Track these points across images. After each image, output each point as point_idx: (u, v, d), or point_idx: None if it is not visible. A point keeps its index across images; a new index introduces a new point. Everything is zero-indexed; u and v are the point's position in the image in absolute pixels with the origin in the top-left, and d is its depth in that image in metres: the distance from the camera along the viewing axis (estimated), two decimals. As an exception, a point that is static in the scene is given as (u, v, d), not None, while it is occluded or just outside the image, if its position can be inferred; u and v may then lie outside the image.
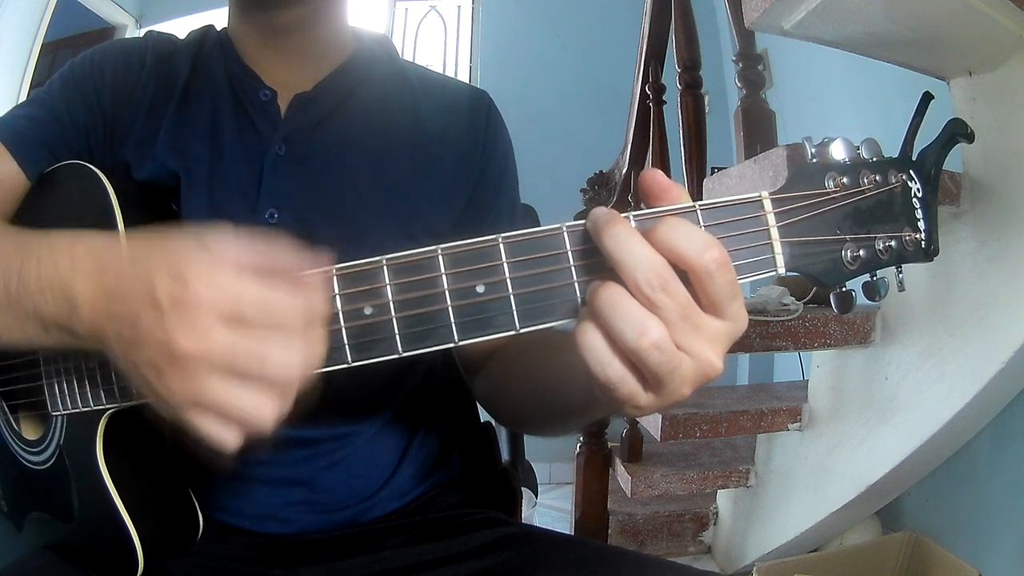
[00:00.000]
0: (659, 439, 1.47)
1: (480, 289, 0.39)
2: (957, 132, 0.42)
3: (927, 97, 0.43)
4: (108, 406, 0.52)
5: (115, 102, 0.67)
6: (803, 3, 1.02)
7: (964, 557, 1.33)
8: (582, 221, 0.39)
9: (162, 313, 0.36)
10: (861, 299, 0.43)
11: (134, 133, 0.66)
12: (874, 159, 0.41)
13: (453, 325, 0.40)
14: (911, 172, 0.41)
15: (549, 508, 2.55)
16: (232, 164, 0.65)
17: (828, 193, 0.40)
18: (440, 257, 0.40)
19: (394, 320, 0.40)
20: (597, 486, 1.70)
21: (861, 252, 0.40)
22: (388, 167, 0.68)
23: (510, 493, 0.80)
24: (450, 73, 3.14)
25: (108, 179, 0.58)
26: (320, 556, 0.65)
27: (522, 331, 0.39)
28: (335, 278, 0.41)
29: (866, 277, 0.42)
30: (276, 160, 0.65)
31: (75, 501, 0.59)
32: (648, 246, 0.36)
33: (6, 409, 0.65)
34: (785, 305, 1.38)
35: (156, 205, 0.64)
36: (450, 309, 0.40)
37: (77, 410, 0.55)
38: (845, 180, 0.40)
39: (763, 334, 1.34)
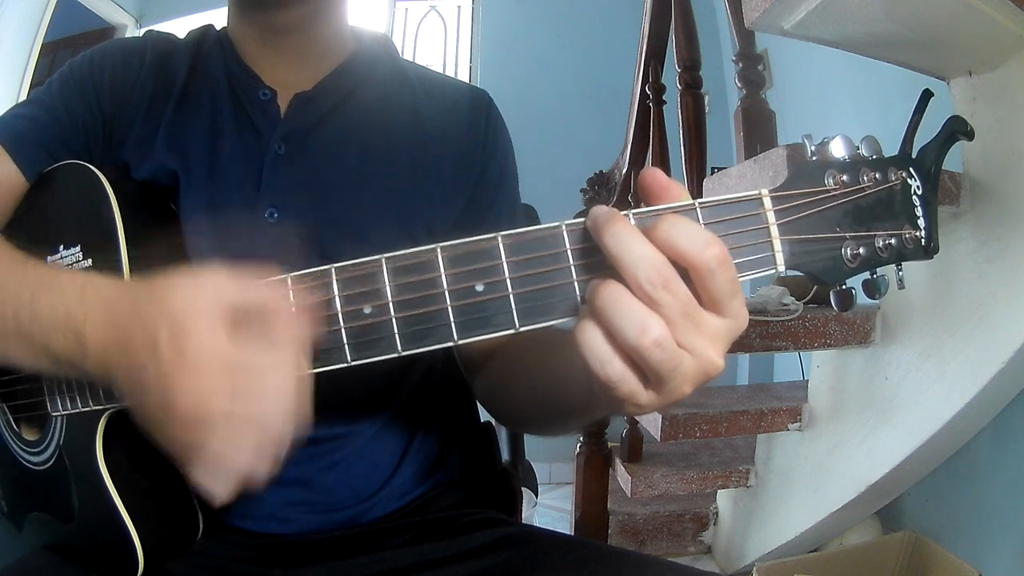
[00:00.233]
0: (659, 439, 1.47)
1: (479, 288, 0.39)
2: (957, 130, 0.42)
3: (927, 94, 0.43)
4: (108, 406, 0.52)
5: (114, 102, 0.67)
6: (803, 3, 1.02)
7: (964, 557, 1.33)
8: (581, 219, 0.39)
9: (164, 366, 0.39)
10: (861, 298, 0.43)
11: (133, 133, 0.66)
12: (874, 157, 0.41)
13: (452, 324, 0.40)
14: (911, 170, 0.41)
15: (549, 508, 2.55)
16: (231, 164, 0.65)
17: (828, 191, 0.40)
18: (439, 256, 0.40)
19: (393, 319, 0.40)
20: (597, 486, 1.70)
21: (861, 250, 0.40)
22: (388, 167, 0.68)
23: (510, 493, 0.80)
24: (450, 73, 3.14)
25: (107, 179, 0.58)
26: (320, 556, 0.65)
27: (521, 330, 0.39)
28: (334, 277, 0.41)
29: (866, 275, 0.42)
30: (276, 159, 0.65)
31: (75, 501, 0.59)
32: (648, 244, 0.36)
33: (6, 409, 0.65)
34: (785, 305, 1.38)
35: (155, 205, 0.64)
36: (449, 308, 0.40)
37: (77, 410, 0.55)
38: (845, 178, 0.40)
39: (763, 334, 1.34)
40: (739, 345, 1.27)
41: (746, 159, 1.36)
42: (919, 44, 1.11)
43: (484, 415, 0.76)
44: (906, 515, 1.59)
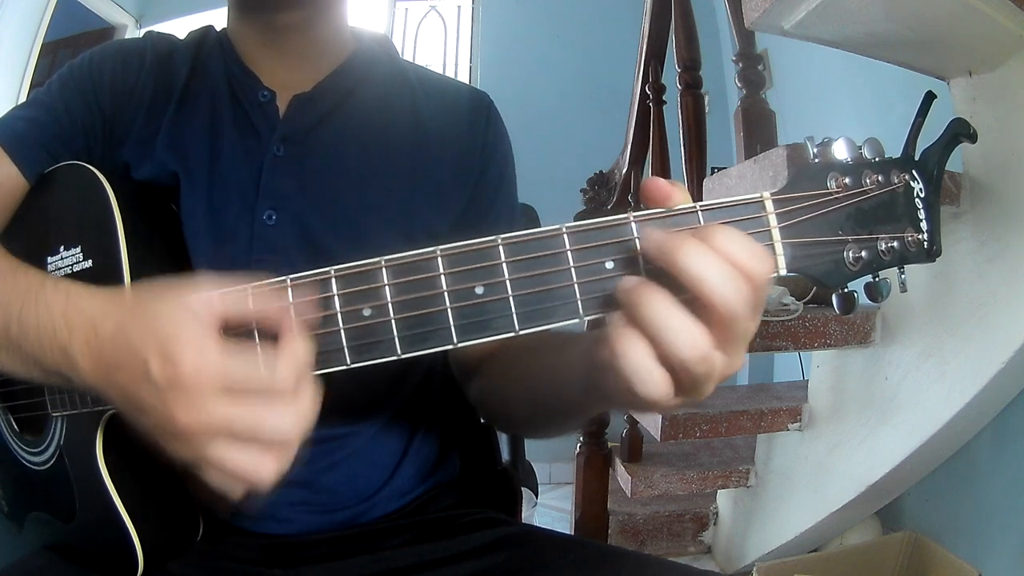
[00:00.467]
0: (659, 439, 1.47)
1: (479, 290, 0.39)
2: (960, 132, 0.42)
3: (930, 96, 0.42)
4: (108, 407, 0.52)
5: (114, 102, 0.67)
6: (803, 3, 1.02)
7: (964, 557, 1.33)
8: (581, 222, 0.39)
9: (159, 391, 0.39)
10: (862, 299, 0.43)
11: (133, 133, 0.66)
12: (876, 159, 0.41)
13: (452, 327, 0.40)
14: (914, 172, 0.41)
15: (549, 508, 2.55)
16: (230, 165, 0.65)
17: (830, 193, 0.40)
18: (439, 258, 0.40)
19: (393, 322, 0.40)
20: (597, 486, 1.70)
21: (863, 253, 0.40)
22: (387, 167, 0.68)
23: (510, 493, 0.80)
24: (450, 73, 3.15)
25: (107, 179, 0.58)
26: (320, 556, 0.65)
27: (521, 333, 0.39)
28: (333, 279, 0.41)
29: (868, 278, 0.41)
30: (274, 161, 0.65)
31: (75, 501, 0.59)
32: (726, 262, 0.36)
33: (6, 410, 0.65)
34: (785, 305, 1.37)
35: (155, 205, 0.64)
36: (449, 311, 0.39)
37: (77, 411, 0.55)
38: (847, 180, 0.40)
39: (763, 334, 1.34)
40: (739, 345, 1.26)
41: (746, 159, 1.35)
42: (919, 44, 1.11)
43: (484, 415, 0.76)
44: (906, 515, 1.59)
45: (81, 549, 0.60)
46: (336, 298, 0.40)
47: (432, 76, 0.77)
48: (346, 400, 0.64)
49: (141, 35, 0.73)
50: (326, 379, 0.42)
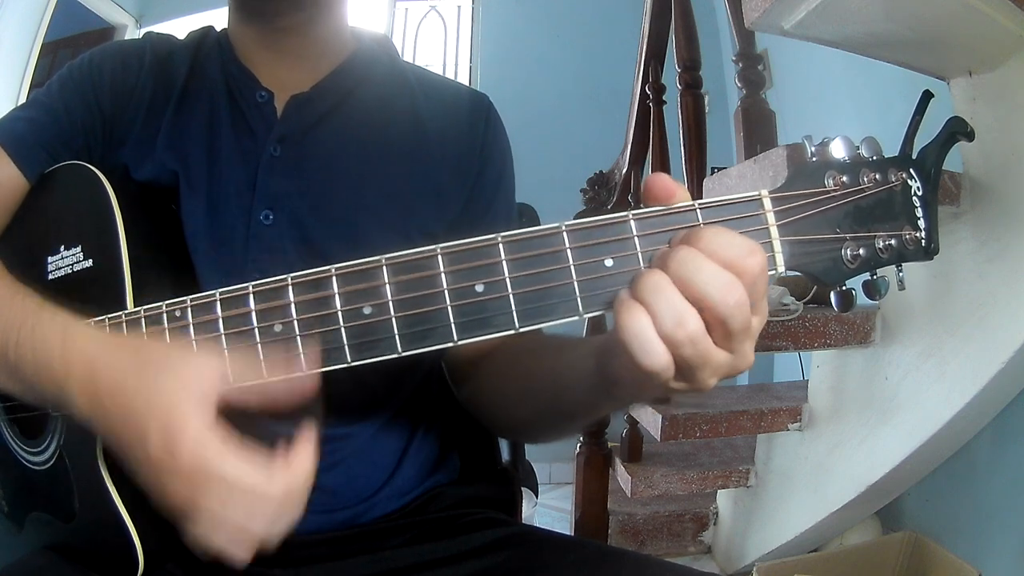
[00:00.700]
0: (659, 439, 1.47)
1: (479, 288, 0.39)
2: (957, 130, 0.42)
3: (927, 95, 0.43)
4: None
5: (114, 103, 0.67)
6: (803, 3, 1.02)
7: (964, 557, 1.33)
8: (581, 220, 0.39)
9: (152, 465, 0.41)
10: (861, 298, 0.43)
11: (133, 134, 0.66)
12: (874, 158, 0.41)
13: (452, 325, 0.40)
14: (911, 170, 0.41)
15: (549, 508, 2.55)
16: (228, 165, 0.65)
17: (828, 191, 0.40)
18: (439, 256, 0.40)
19: (393, 320, 0.40)
20: (597, 486, 1.69)
21: (861, 251, 0.40)
22: (385, 168, 0.68)
23: (510, 493, 0.80)
24: (450, 73, 3.15)
25: (107, 179, 0.58)
26: (320, 556, 0.65)
27: (521, 330, 0.39)
28: (334, 277, 0.41)
29: (866, 276, 0.42)
30: (271, 161, 0.65)
31: (75, 501, 0.59)
32: (710, 261, 0.37)
33: (6, 410, 0.65)
34: (785, 305, 1.37)
35: (155, 206, 0.64)
36: (449, 309, 0.40)
37: (76, 410, 0.55)
38: (845, 179, 0.40)
39: (763, 334, 1.32)
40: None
41: (746, 159, 1.35)
42: (919, 44, 1.11)
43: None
44: (906, 515, 1.59)
45: (81, 549, 0.60)
46: (336, 296, 0.41)
47: (432, 77, 0.77)
48: (346, 400, 0.64)
49: (140, 36, 0.73)
50: (326, 378, 0.42)
